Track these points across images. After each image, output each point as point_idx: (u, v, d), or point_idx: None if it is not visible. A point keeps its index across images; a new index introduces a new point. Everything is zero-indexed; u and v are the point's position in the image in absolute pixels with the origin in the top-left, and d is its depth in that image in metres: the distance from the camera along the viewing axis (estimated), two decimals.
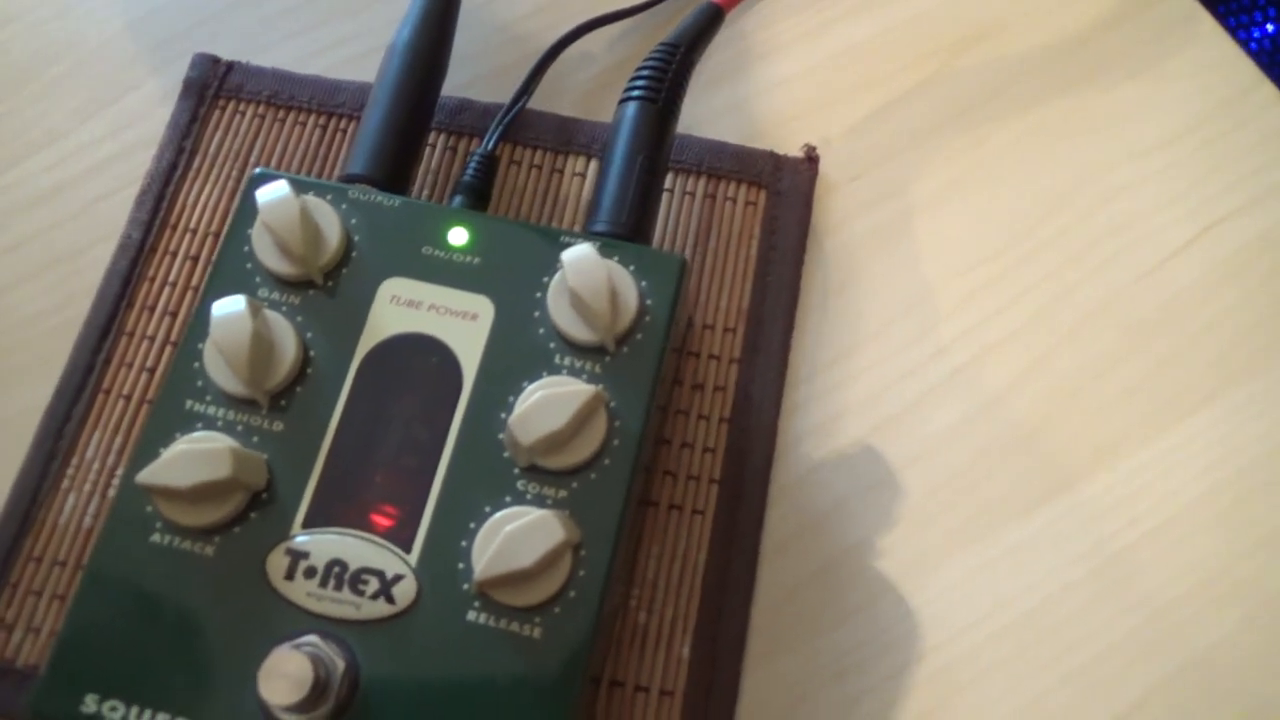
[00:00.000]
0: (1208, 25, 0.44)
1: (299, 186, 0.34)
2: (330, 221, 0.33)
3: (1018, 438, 0.38)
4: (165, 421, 0.32)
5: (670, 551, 0.36)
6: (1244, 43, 0.42)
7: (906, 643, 0.36)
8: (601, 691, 0.34)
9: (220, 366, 0.32)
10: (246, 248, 0.34)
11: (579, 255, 0.32)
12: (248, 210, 0.34)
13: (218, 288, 0.33)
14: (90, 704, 0.29)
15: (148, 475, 0.30)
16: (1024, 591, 0.36)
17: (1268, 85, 0.43)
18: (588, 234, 0.34)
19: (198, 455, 0.30)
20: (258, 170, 0.35)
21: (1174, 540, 0.37)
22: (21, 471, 0.37)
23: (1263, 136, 0.42)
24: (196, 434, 0.31)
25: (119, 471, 0.37)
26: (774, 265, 0.40)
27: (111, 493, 0.36)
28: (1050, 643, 0.35)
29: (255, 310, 0.31)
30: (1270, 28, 0.88)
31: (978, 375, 0.39)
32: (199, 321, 0.33)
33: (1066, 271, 0.40)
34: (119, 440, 0.37)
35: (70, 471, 0.37)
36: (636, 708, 0.34)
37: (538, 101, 0.42)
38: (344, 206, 0.34)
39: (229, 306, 0.31)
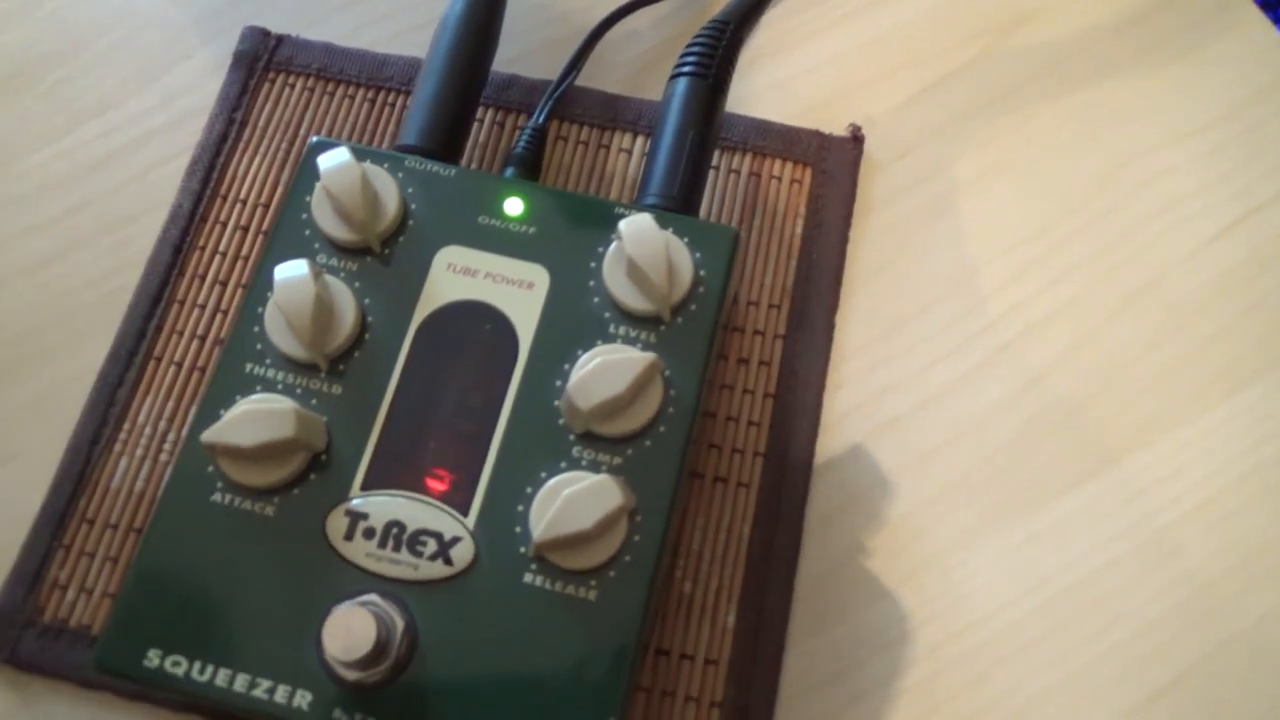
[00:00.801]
0: (1249, 11, 0.44)
1: (357, 154, 0.34)
2: (389, 189, 0.34)
3: (1061, 415, 0.38)
4: (226, 383, 0.32)
5: (715, 523, 0.37)
6: None
7: (949, 616, 0.36)
8: (648, 658, 0.35)
9: (281, 329, 0.32)
10: (305, 215, 0.34)
11: (637, 225, 0.32)
12: (307, 177, 0.34)
13: (278, 253, 0.33)
14: (153, 659, 0.29)
15: (212, 434, 0.30)
16: (1066, 567, 0.36)
17: None
18: (640, 206, 0.35)
19: (261, 415, 0.30)
20: (315, 139, 0.35)
21: (1217, 517, 0.37)
22: (75, 435, 0.37)
23: None
24: (259, 395, 0.31)
25: (170, 436, 0.37)
26: (819, 243, 0.40)
27: (163, 457, 0.37)
28: (1092, 618, 0.36)
29: (317, 273, 0.32)
30: None
31: (1021, 353, 0.39)
32: (258, 286, 0.33)
33: (1110, 251, 0.40)
34: (170, 406, 0.38)
35: (123, 436, 0.37)
36: (682, 676, 0.35)
37: (584, 78, 0.42)
38: (401, 175, 0.35)
39: (292, 269, 0.31)
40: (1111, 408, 0.38)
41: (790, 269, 0.40)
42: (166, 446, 0.37)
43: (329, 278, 0.33)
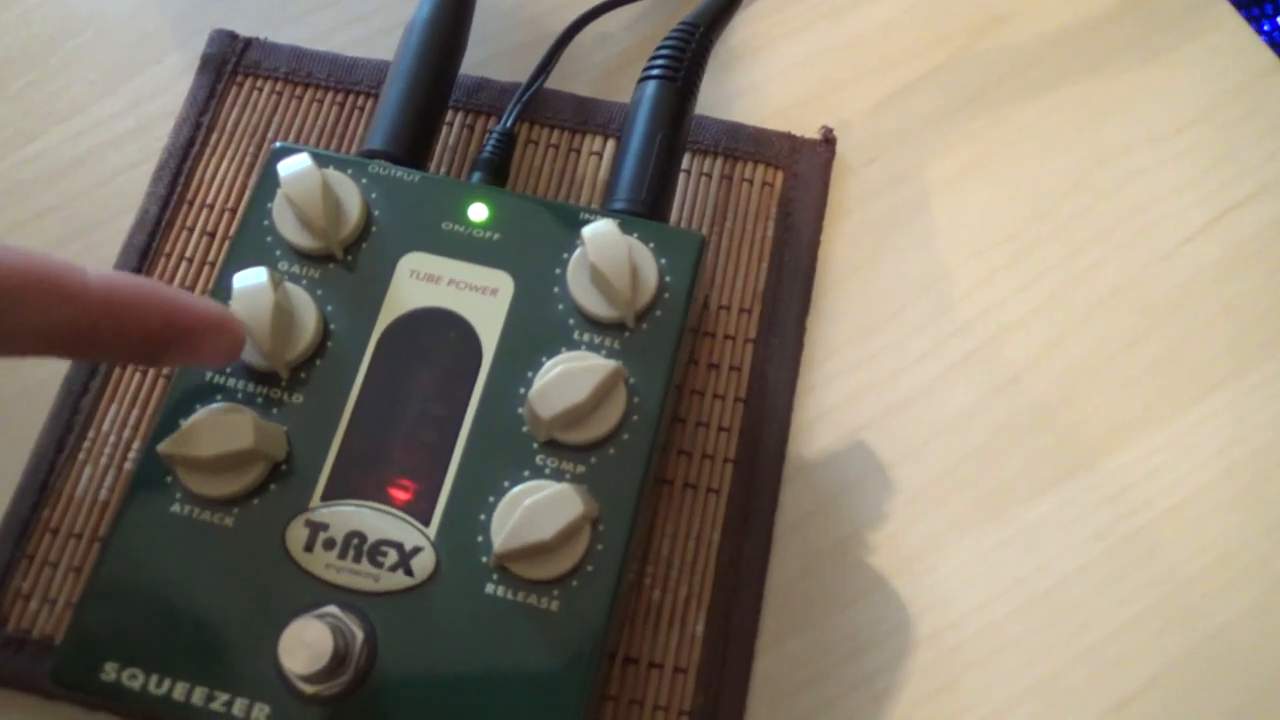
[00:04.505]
0: (1224, 10, 0.44)
1: (320, 160, 0.34)
2: (351, 195, 0.33)
3: (1033, 418, 0.38)
4: (185, 392, 0.32)
5: (685, 530, 0.36)
6: (1256, 34, 0.43)
7: (920, 621, 0.36)
8: (615, 667, 0.35)
9: None
10: (266, 221, 0.34)
11: (600, 231, 0.32)
12: (268, 183, 0.34)
13: (238, 260, 0.33)
14: (109, 672, 0.29)
15: (169, 445, 0.30)
16: (1037, 571, 0.36)
17: None
18: (607, 211, 0.35)
19: (220, 425, 0.30)
20: (278, 144, 0.35)
21: (1188, 521, 0.37)
22: (39, 443, 0.37)
23: (1276, 122, 0.42)
24: (218, 405, 0.31)
25: (135, 444, 0.37)
26: (790, 247, 0.40)
27: (128, 466, 0.37)
28: (1063, 622, 0.36)
29: (276, 282, 0.31)
30: None
31: (994, 356, 0.39)
32: (218, 294, 0.33)
33: (1083, 254, 0.40)
34: (135, 414, 0.37)
35: (87, 444, 0.37)
36: (650, 684, 0.35)
37: (555, 81, 0.42)
38: (364, 180, 0.34)
39: (251, 278, 0.31)
40: (1084, 411, 0.38)
41: (761, 273, 0.40)
42: (131, 454, 0.37)
43: (290, 285, 0.32)
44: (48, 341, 0.26)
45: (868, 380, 0.39)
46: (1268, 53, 0.43)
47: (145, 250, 0.39)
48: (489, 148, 0.38)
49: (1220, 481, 0.37)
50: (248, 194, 0.39)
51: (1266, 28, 0.87)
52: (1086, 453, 0.38)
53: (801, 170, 0.41)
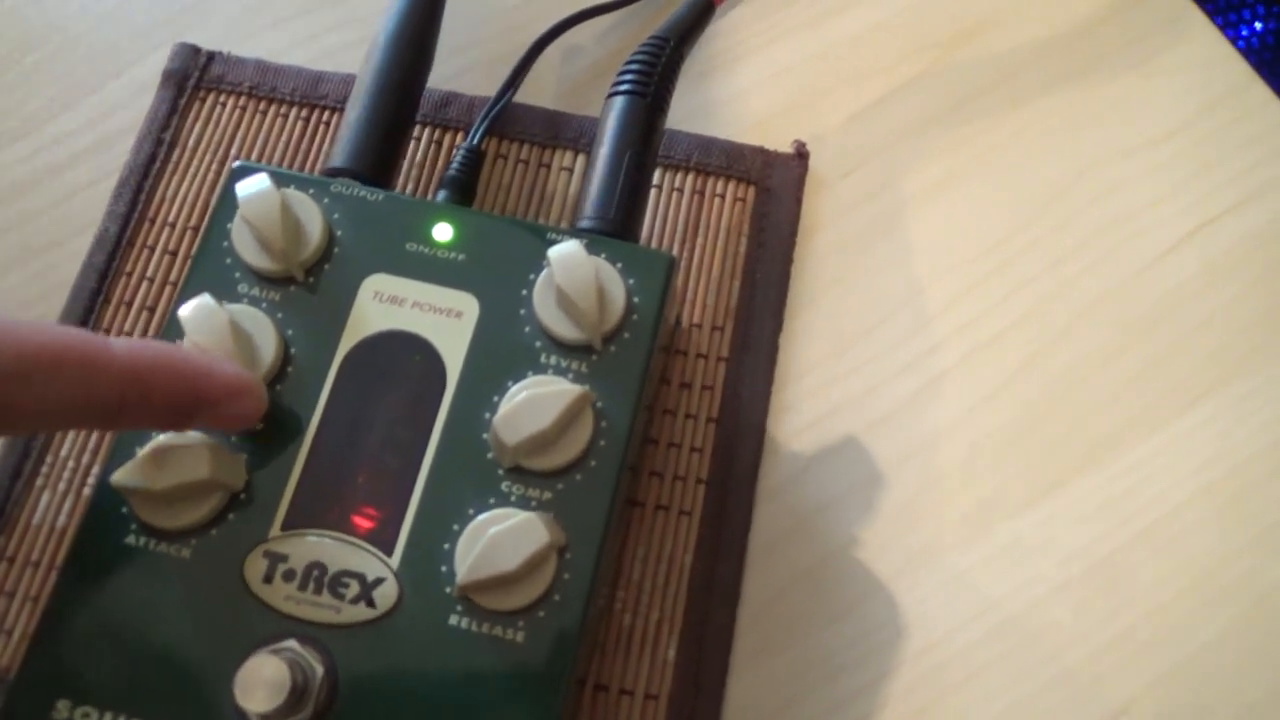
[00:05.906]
0: (1198, 22, 0.44)
1: (280, 180, 0.33)
2: (312, 216, 0.33)
3: (1011, 435, 0.38)
4: None
5: (656, 553, 0.36)
6: (1232, 40, 0.42)
7: (896, 644, 0.35)
8: (586, 695, 0.34)
9: None
10: (226, 242, 0.33)
11: (566, 253, 0.31)
12: (228, 203, 0.33)
13: (196, 284, 0.32)
14: (62, 710, 0.28)
15: (123, 475, 0.29)
16: (1016, 591, 0.36)
17: (1259, 83, 0.43)
18: (575, 230, 0.34)
19: (175, 455, 0.29)
20: (238, 163, 0.34)
21: (1167, 539, 0.36)
22: None
23: (1255, 133, 0.42)
24: (174, 433, 0.30)
25: (94, 471, 0.36)
26: (763, 263, 0.39)
27: (86, 492, 0.36)
28: (1042, 643, 0.35)
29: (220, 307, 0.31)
30: (1259, 26, 0.88)
31: (971, 373, 0.38)
32: (175, 318, 0.32)
33: (1061, 267, 0.40)
34: (94, 439, 0.36)
35: (45, 470, 0.36)
36: (621, 711, 0.34)
37: (525, 95, 0.41)
38: (326, 201, 0.33)
39: (197, 304, 0.30)
40: (1064, 427, 0.38)
41: (734, 290, 0.39)
42: (90, 480, 0.36)
43: (249, 309, 0.32)
44: (76, 414, 0.26)
45: (844, 397, 0.38)
46: (1243, 64, 0.43)
47: (105, 270, 0.38)
48: (455, 165, 0.37)
49: (1199, 498, 0.37)
50: (208, 214, 0.38)
51: (1245, 33, 0.87)
52: (1065, 470, 0.37)
53: (774, 185, 0.40)
